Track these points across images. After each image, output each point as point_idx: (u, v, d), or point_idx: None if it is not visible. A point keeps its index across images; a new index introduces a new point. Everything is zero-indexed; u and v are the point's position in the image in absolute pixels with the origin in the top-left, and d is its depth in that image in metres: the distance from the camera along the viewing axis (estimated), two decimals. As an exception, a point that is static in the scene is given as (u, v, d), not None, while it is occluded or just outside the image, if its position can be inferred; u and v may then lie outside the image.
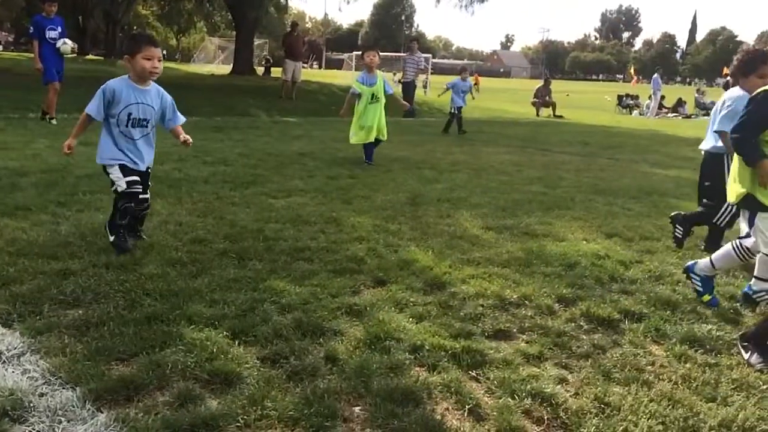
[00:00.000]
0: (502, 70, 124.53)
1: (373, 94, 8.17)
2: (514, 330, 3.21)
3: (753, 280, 3.79)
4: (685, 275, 3.97)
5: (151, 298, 3.25)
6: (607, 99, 33.90)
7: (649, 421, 2.36)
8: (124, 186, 3.92)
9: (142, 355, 2.66)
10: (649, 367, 2.87)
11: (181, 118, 4.23)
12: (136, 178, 3.99)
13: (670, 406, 2.49)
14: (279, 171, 7.27)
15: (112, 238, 3.97)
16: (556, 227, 5.34)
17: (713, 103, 25.83)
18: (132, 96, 3.92)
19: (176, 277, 3.59)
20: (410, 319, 3.21)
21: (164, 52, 66.24)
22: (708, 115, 24.81)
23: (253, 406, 2.32)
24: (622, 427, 2.31)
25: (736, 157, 3.63)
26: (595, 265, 4.31)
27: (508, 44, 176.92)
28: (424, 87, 31.05)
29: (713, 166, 4.89)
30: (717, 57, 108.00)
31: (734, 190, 3.60)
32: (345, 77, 33.58)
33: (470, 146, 11.27)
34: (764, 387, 2.72)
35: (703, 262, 3.88)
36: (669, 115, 26.34)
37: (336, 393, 2.45)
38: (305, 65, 39.07)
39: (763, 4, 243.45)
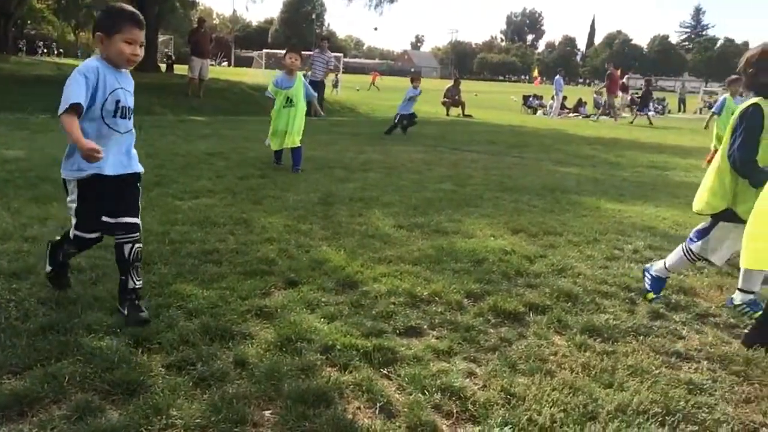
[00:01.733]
0: (412, 69, 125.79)
1: (288, 98, 7.83)
2: (425, 326, 3.26)
3: (736, 292, 3.82)
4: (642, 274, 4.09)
5: (46, 307, 3.08)
6: (513, 99, 35.00)
7: (552, 409, 2.45)
8: (71, 236, 3.18)
9: (36, 367, 2.52)
10: (552, 357, 2.99)
11: None
12: (96, 236, 3.18)
13: (571, 394, 2.59)
14: (186, 171, 7.06)
15: (48, 269, 3.21)
16: (465, 224, 5.46)
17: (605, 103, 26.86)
18: (115, 80, 3.05)
19: (74, 283, 3.42)
20: (322, 320, 3.20)
21: (61, 50, 62.88)
22: (606, 114, 26.13)
23: (157, 416, 2.24)
24: (526, 416, 2.39)
25: (714, 171, 3.66)
26: (502, 260, 4.43)
27: (419, 44, 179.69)
28: (335, 86, 31.06)
29: None
30: (613, 59, 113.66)
31: (710, 202, 3.65)
32: (255, 75, 33.05)
33: (382, 145, 11.35)
34: (656, 372, 2.88)
35: (659, 263, 4.00)
36: (570, 115, 27.48)
37: (245, 398, 2.41)
38: (213, 63, 38.14)
39: (655, 10, 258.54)
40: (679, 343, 3.28)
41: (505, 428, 2.30)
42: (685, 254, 3.88)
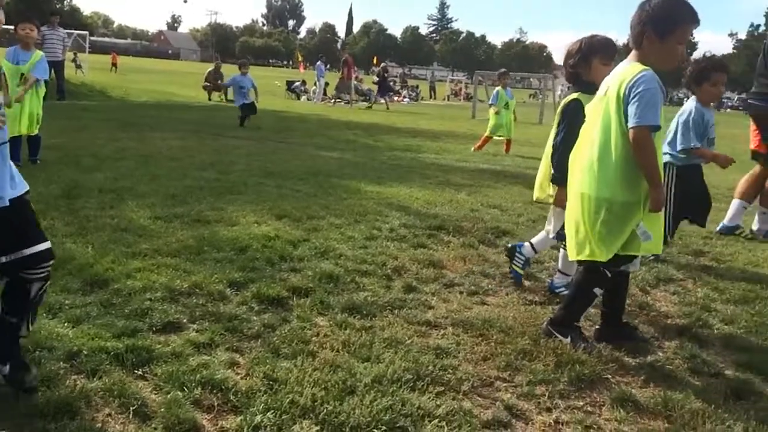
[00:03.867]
0: (170, 51, 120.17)
1: (22, 75, 6.83)
2: (185, 320, 3.13)
3: (557, 274, 4.09)
4: (553, 294, 4.02)
5: None
6: (277, 84, 35.06)
7: (313, 389, 2.51)
8: None
9: None
10: (315, 338, 3.06)
11: None
12: None
13: (332, 372, 2.68)
14: None
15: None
16: (228, 212, 5.35)
17: (370, 90, 28.39)
18: None
19: None
20: (66, 324, 2.91)
21: None
22: (366, 100, 27.38)
23: None
24: (288, 399, 2.41)
25: (548, 160, 3.86)
26: (266, 246, 4.42)
27: (175, 25, 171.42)
28: (79, 67, 28.44)
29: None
30: (371, 48, 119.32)
31: (547, 190, 3.87)
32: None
33: (137, 132, 10.65)
34: (409, 341, 3.10)
35: (557, 275, 4.07)
36: (333, 101, 28.27)
37: (-33, 423, 2.11)
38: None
39: (406, 1, 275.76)
40: (429, 312, 3.55)
41: (267, 414, 2.31)
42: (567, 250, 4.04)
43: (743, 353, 3.25)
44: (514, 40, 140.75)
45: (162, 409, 2.31)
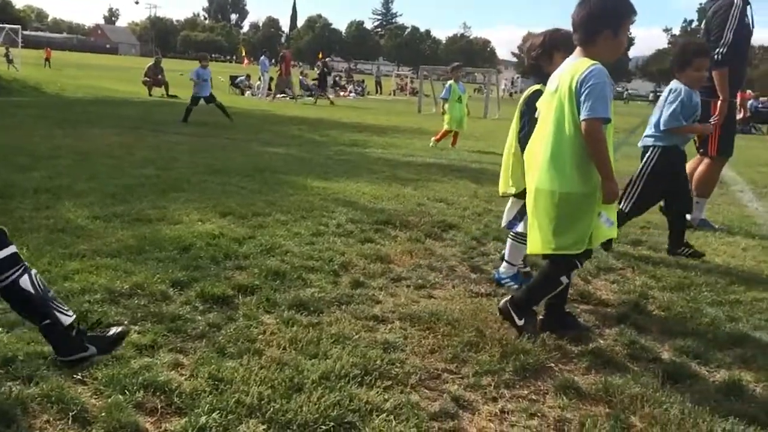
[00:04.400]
0: (108, 46, 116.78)
1: None
2: (126, 322, 3.04)
3: (503, 264, 4.10)
4: (498, 285, 4.06)
5: None
6: (221, 79, 34.45)
7: (260, 387, 2.48)
8: None
9: None
10: (261, 336, 3.02)
11: None
12: None
13: (279, 370, 2.65)
14: None
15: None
16: (171, 210, 5.23)
17: (315, 85, 28.26)
18: None
19: None
20: (0, 330, 2.80)
21: None
22: (312, 96, 27.21)
23: None
24: (234, 399, 2.38)
25: (512, 153, 3.87)
26: (210, 244, 4.35)
27: (113, 19, 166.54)
28: (11, 62, 27.36)
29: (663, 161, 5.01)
30: (316, 42, 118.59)
31: (516, 183, 3.86)
32: None
33: (74, 128, 10.31)
34: (357, 336, 3.09)
35: (503, 266, 4.09)
36: (278, 96, 27.97)
37: None
38: None
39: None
40: (377, 307, 3.55)
41: (213, 415, 2.27)
42: (515, 240, 4.03)
43: (679, 338, 3.37)
44: (459, 35, 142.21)
45: (103, 414, 2.24)
